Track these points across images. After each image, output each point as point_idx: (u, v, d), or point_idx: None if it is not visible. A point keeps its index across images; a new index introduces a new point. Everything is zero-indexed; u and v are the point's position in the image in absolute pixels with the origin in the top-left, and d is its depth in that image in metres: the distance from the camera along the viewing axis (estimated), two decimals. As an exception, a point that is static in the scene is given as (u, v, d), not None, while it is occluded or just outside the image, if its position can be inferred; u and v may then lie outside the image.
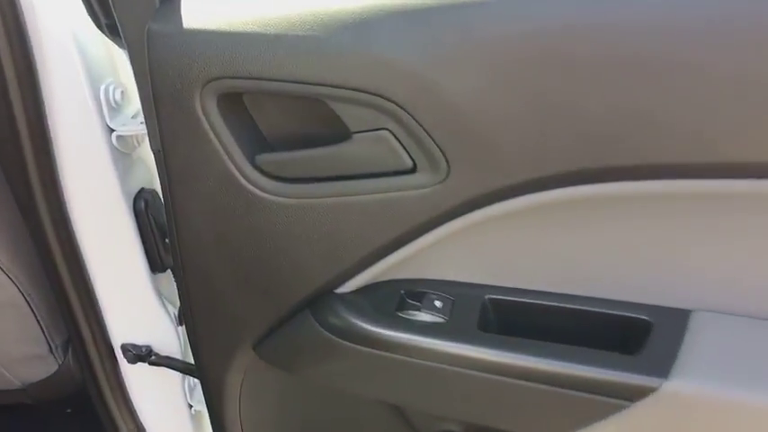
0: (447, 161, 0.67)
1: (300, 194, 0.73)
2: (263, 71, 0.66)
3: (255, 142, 0.73)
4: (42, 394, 1.21)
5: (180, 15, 0.68)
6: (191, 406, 1.18)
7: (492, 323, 0.78)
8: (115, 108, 0.91)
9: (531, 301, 0.78)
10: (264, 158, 0.72)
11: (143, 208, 0.99)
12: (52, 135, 0.90)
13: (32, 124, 0.87)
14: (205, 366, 0.90)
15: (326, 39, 0.64)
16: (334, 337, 0.79)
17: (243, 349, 0.86)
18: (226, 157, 0.71)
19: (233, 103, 0.71)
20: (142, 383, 1.15)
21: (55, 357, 1.19)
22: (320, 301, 0.80)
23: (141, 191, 1.00)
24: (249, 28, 0.66)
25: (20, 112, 0.85)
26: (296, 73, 0.65)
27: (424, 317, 0.76)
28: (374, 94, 0.65)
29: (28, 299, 1.08)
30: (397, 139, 0.67)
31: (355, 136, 0.68)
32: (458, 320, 0.75)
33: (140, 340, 1.09)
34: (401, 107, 0.65)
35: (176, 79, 0.68)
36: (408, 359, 0.75)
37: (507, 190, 0.67)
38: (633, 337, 0.74)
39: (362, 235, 0.73)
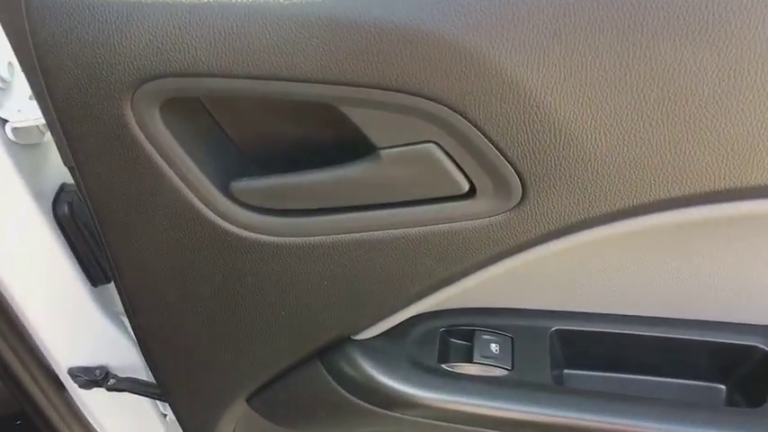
0: (522, 183, 0.45)
1: (302, 231, 0.50)
2: (231, 64, 0.40)
3: (228, 164, 0.49)
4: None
5: None
6: (165, 415, 1.00)
7: (563, 359, 0.61)
8: (2, 88, 0.63)
9: (610, 330, 0.60)
10: (244, 186, 0.48)
11: (67, 211, 0.74)
12: None
13: None
14: (185, 419, 0.71)
15: (327, 8, 0.39)
16: (351, 396, 0.60)
17: (233, 402, 0.67)
18: (183, 187, 0.46)
19: (188, 111, 0.46)
20: (104, 407, 0.95)
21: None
22: (333, 348, 0.60)
23: (61, 190, 0.74)
24: None
25: None
26: (288, 66, 0.40)
27: (477, 369, 0.58)
28: (414, 94, 0.41)
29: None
30: (447, 154, 0.44)
31: (384, 153, 0.45)
32: (525, 370, 0.57)
33: (92, 362, 0.88)
34: (456, 111, 0.42)
35: (85, 77, 0.42)
36: (461, 429, 0.57)
37: (600, 218, 0.46)
38: (742, 369, 0.58)
39: (394, 278, 0.52)
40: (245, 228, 0.50)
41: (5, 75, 0.63)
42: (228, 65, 0.40)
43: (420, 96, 0.41)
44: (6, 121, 0.64)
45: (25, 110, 0.64)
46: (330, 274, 0.52)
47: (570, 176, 0.44)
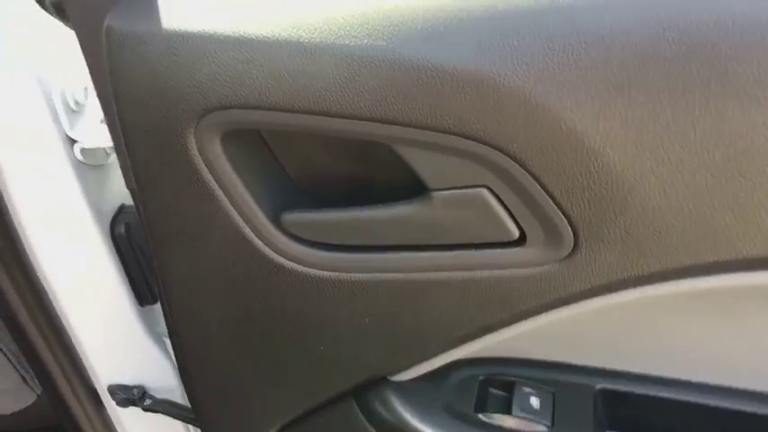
0: (574, 235, 0.44)
1: (348, 267, 0.50)
2: (294, 99, 0.42)
3: (281, 196, 0.50)
4: (18, 425, 1.03)
5: (162, 6, 0.43)
6: (196, 440, 1.01)
7: (607, 421, 0.58)
8: (76, 111, 0.67)
9: (658, 394, 0.57)
10: (295, 218, 0.49)
11: (123, 232, 0.76)
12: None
13: None
14: None
15: (389, 50, 0.40)
16: (386, 438, 0.59)
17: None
18: (236, 215, 0.48)
19: (247, 142, 0.47)
20: (138, 426, 0.96)
21: (32, 388, 1.00)
22: (370, 388, 0.59)
23: (121, 210, 0.77)
24: (271, 31, 0.42)
25: None
26: (342, 103, 0.41)
27: (515, 423, 0.56)
28: (470, 138, 0.41)
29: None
30: (499, 200, 0.44)
31: (436, 194, 0.45)
32: (565, 428, 0.55)
33: (131, 381, 0.89)
34: (509, 155, 0.42)
35: (155, 104, 0.44)
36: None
37: (653, 277, 0.45)
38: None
39: (436, 321, 0.51)
40: (293, 260, 0.51)
41: (80, 99, 0.66)
42: (289, 100, 0.42)
43: (475, 140, 0.41)
44: (76, 141, 0.67)
45: (95, 132, 0.67)
46: (372, 313, 0.52)
47: (625, 231, 0.43)
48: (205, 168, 0.46)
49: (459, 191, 0.44)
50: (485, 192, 0.44)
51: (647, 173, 0.41)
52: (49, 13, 0.57)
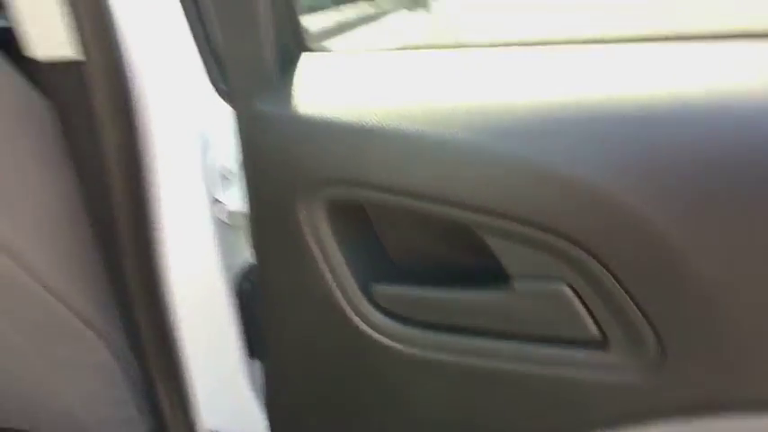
0: (659, 342, 0.44)
1: (429, 345, 0.54)
2: (395, 181, 0.48)
3: (374, 268, 0.56)
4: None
5: (296, 95, 0.53)
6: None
7: None
8: (228, 179, 0.78)
9: None
10: (385, 291, 0.54)
11: (247, 287, 0.86)
12: (154, 202, 0.78)
13: (132, 190, 0.76)
14: None
15: (482, 144, 0.45)
16: None
17: None
18: (332, 283, 0.54)
19: (351, 215, 0.54)
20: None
21: (145, 419, 1.09)
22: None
23: (250, 269, 0.86)
24: (382, 120, 0.49)
25: (119, 180, 0.74)
26: (438, 189, 0.47)
27: None
28: (550, 231, 0.45)
29: (119, 361, 0.99)
30: (580, 298, 0.46)
31: (518, 284, 0.48)
32: None
33: (228, 428, 0.96)
34: (591, 254, 0.44)
35: (278, 174, 0.53)
36: None
37: (756, 403, 0.43)
38: None
39: (510, 415, 0.52)
40: (379, 331, 0.55)
41: (234, 168, 0.78)
42: (392, 183, 0.48)
43: (558, 236, 0.44)
44: (222, 203, 0.78)
45: (239, 198, 0.79)
46: (450, 396, 0.54)
47: (716, 347, 0.43)
48: (311, 236, 0.53)
49: (539, 283, 0.47)
50: (565, 288, 0.46)
51: (739, 287, 0.40)
52: (219, 95, 0.70)
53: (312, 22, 0.92)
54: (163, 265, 0.83)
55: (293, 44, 0.56)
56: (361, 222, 0.56)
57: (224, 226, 0.82)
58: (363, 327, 0.55)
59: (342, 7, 1.26)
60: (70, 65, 0.61)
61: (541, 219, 0.44)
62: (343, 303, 0.55)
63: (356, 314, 0.55)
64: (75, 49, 0.58)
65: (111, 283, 0.92)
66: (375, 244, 0.57)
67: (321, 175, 0.51)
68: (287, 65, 0.54)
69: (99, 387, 1.02)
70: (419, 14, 1.92)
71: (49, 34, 0.61)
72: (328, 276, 0.55)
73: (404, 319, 0.54)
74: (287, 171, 0.52)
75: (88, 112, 0.65)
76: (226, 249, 0.83)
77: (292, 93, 0.53)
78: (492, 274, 0.50)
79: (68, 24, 0.58)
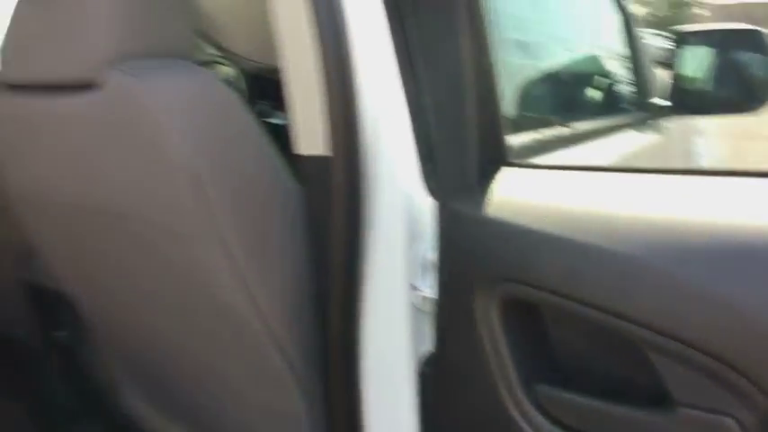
0: None
1: None
2: (568, 288, 0.53)
3: (540, 367, 0.59)
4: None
5: (489, 201, 0.60)
6: None
7: None
8: (427, 268, 0.88)
9: None
10: (548, 392, 0.57)
11: (426, 373, 0.92)
12: (364, 279, 0.90)
13: (348, 265, 0.89)
14: None
15: (660, 265, 0.48)
16: None
17: None
18: (499, 377, 0.58)
19: (524, 313, 0.59)
20: None
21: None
22: None
23: (431, 355, 0.93)
24: (556, 228, 0.54)
25: (340, 254, 0.87)
26: (610, 301, 0.50)
27: None
28: (721, 361, 0.44)
29: (308, 415, 1.10)
30: (746, 435, 0.45)
31: (681, 410, 0.48)
32: None
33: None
34: (763, 391, 0.43)
35: (463, 268, 0.60)
36: None
37: None
38: None
39: None
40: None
41: (431, 259, 0.88)
42: (568, 289, 0.52)
43: (730, 367, 0.44)
44: (419, 290, 0.88)
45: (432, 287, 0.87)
46: None
47: None
48: (483, 326, 0.59)
49: (703, 413, 0.46)
50: (730, 421, 0.45)
51: None
52: (428, 191, 0.81)
53: (521, 137, 1.01)
54: (361, 336, 0.94)
55: (495, 156, 0.65)
56: (532, 321, 0.60)
57: (417, 311, 0.91)
58: (522, 424, 0.58)
59: (558, 123, 1.32)
60: (320, 159, 0.77)
61: (713, 347, 0.45)
62: (507, 399, 0.59)
63: (518, 411, 0.58)
64: (327, 147, 0.74)
65: (315, 342, 1.05)
66: (543, 344, 0.60)
67: (499, 272, 0.57)
68: (487, 174, 0.63)
69: None
70: (646, 135, 1.90)
71: (311, 134, 0.79)
72: (495, 370, 0.59)
73: (563, 425, 0.56)
74: (471, 265, 0.59)
75: (328, 199, 0.80)
76: (416, 333, 0.92)
77: (486, 198, 0.61)
78: (655, 393, 0.50)
79: (325, 127, 0.74)
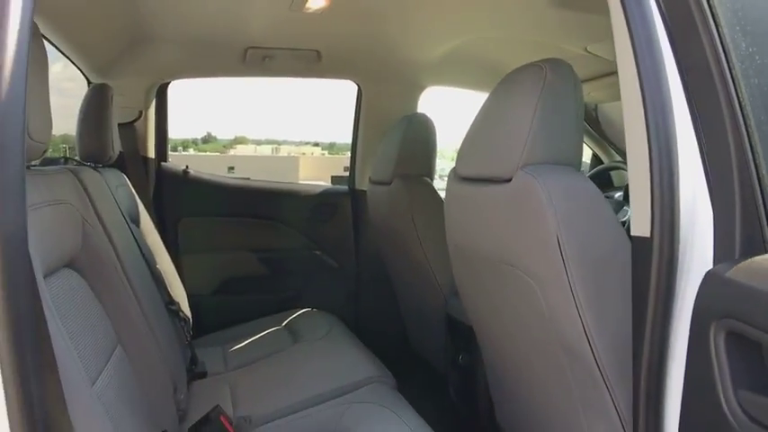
0: None
1: None
2: None
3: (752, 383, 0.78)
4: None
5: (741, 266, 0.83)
6: None
7: None
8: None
9: None
10: (752, 398, 0.76)
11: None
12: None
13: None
14: None
15: None
16: None
17: None
18: (719, 385, 0.79)
19: (747, 347, 0.79)
20: None
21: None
22: None
23: None
24: None
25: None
26: None
27: None
28: None
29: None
30: None
31: None
32: None
33: None
34: None
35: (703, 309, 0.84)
36: None
37: None
38: None
39: None
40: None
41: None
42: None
43: None
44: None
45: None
46: None
47: None
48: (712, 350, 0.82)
49: None
50: None
51: None
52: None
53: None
54: (668, 380, 1.14)
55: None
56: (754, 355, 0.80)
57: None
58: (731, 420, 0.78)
59: None
60: (643, 239, 1.06)
61: None
62: (723, 402, 0.80)
63: (728, 409, 0.79)
64: (645, 229, 1.03)
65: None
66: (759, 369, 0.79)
67: (721, 310, 0.80)
68: (747, 251, 0.85)
69: None
70: None
71: (640, 220, 1.07)
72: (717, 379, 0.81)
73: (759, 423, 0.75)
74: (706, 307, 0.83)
75: (648, 271, 1.06)
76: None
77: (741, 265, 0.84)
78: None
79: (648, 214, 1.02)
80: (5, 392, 0.75)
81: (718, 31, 0.92)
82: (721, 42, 0.92)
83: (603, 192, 2.51)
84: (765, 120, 0.90)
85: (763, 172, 0.88)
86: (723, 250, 0.90)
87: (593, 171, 3.16)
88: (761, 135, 0.90)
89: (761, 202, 0.88)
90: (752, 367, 0.84)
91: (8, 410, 0.74)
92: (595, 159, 3.42)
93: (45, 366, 0.79)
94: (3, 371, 0.75)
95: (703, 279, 0.91)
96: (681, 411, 0.97)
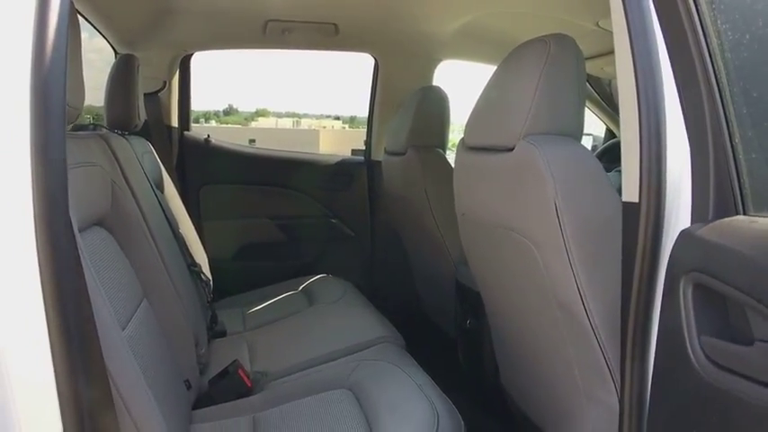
0: None
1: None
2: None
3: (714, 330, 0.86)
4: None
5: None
6: None
7: None
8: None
9: None
10: (711, 342, 0.84)
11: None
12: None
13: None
14: None
15: None
16: None
17: None
18: (685, 332, 0.87)
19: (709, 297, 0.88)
20: None
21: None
22: None
23: None
24: None
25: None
26: None
27: None
28: None
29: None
30: None
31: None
32: None
33: None
34: None
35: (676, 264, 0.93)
36: None
37: None
38: None
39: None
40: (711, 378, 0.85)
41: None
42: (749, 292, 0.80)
43: None
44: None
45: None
46: None
47: None
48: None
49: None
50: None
51: None
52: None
53: None
54: (651, 334, 1.20)
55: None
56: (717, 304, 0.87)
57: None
58: (700, 372, 0.86)
59: None
60: (632, 204, 1.13)
61: None
62: (688, 347, 0.88)
63: (694, 358, 0.87)
64: (634, 195, 1.10)
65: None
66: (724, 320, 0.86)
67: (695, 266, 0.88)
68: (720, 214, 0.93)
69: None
70: None
71: (630, 186, 1.14)
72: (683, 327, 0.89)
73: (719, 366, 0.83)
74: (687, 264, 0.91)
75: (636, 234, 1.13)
76: None
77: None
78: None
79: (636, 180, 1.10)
80: (48, 327, 0.86)
81: (697, 9, 0.98)
82: (700, 19, 0.97)
83: (616, 164, 2.53)
84: (738, 92, 0.96)
85: (736, 141, 0.95)
86: (699, 213, 0.97)
87: (606, 144, 3.19)
88: (735, 107, 0.96)
89: (733, 168, 0.94)
90: (714, 316, 0.92)
91: (50, 340, 0.85)
92: (609, 133, 3.45)
93: (82, 306, 0.89)
94: (47, 312, 0.85)
95: (677, 237, 0.98)
96: (655, 357, 1.05)
